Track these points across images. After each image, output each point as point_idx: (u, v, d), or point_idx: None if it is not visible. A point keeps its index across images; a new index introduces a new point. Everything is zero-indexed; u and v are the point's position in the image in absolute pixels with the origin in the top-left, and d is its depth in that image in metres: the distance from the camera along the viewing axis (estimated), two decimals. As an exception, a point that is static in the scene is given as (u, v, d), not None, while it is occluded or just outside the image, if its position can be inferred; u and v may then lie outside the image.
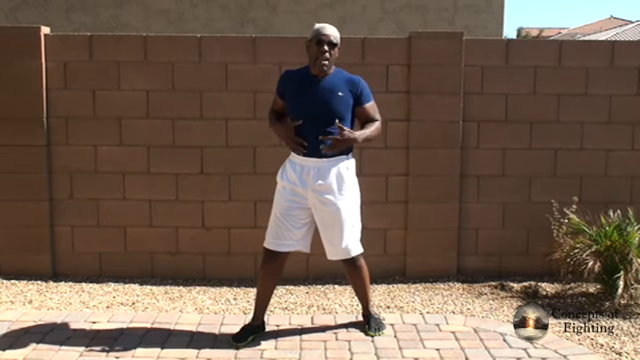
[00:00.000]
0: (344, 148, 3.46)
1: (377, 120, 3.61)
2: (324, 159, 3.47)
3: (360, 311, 3.97)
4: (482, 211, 4.83)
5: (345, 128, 3.36)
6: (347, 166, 3.55)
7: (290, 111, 3.56)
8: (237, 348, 3.51)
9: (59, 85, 4.66)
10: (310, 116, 3.46)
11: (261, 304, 3.70)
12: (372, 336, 3.66)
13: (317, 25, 3.49)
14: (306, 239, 3.64)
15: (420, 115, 4.70)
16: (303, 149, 3.48)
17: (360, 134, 3.45)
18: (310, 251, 3.69)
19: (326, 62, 3.42)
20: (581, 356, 3.45)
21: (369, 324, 3.75)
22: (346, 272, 3.78)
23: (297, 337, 3.67)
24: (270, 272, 3.63)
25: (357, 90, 3.51)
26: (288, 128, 3.53)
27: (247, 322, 3.75)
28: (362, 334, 3.70)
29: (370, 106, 3.58)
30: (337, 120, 3.38)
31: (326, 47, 3.41)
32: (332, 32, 3.44)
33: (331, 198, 3.47)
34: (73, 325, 3.80)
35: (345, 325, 3.84)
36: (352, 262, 3.66)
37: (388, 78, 4.70)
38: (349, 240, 3.57)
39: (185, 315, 4.02)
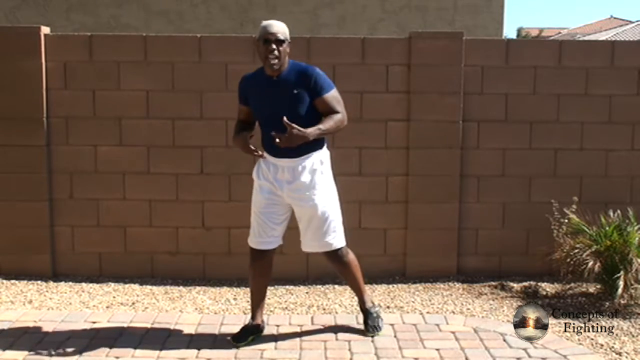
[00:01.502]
0: (306, 143, 3.35)
1: (337, 112, 3.46)
2: (296, 158, 3.44)
3: (360, 311, 3.96)
4: (482, 211, 4.83)
5: (294, 126, 3.27)
6: (320, 160, 3.51)
7: (254, 115, 3.57)
8: (237, 347, 3.51)
9: (59, 85, 4.66)
10: (270, 118, 3.43)
11: (256, 303, 3.71)
12: (369, 336, 3.65)
13: (264, 23, 3.39)
14: (282, 232, 3.65)
15: (420, 115, 4.70)
16: (260, 157, 3.51)
17: (312, 130, 3.33)
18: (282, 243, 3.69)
19: (275, 61, 3.34)
20: (581, 356, 3.46)
21: (365, 323, 3.73)
22: (336, 270, 3.76)
23: (297, 337, 3.67)
24: (259, 271, 3.64)
25: (310, 83, 3.39)
26: (243, 139, 3.50)
27: (247, 322, 3.75)
28: (362, 334, 3.70)
29: (328, 97, 3.42)
30: (284, 118, 3.29)
31: (274, 45, 3.32)
32: (278, 28, 3.34)
33: (307, 194, 3.47)
34: (73, 325, 3.80)
35: (346, 326, 3.84)
36: (338, 259, 3.62)
37: (388, 78, 4.69)
38: (330, 233, 3.54)
39: (185, 315, 4.03)
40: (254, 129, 3.63)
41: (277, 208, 3.56)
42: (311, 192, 3.47)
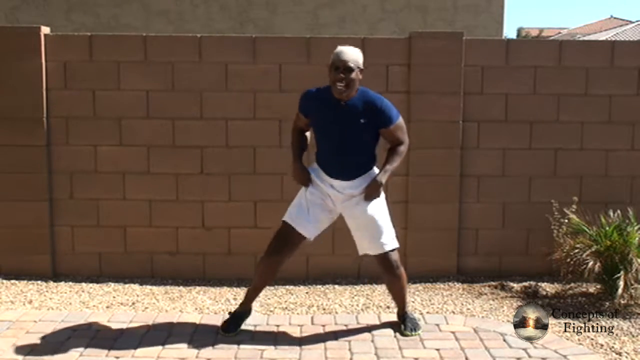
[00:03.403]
0: (360, 166, 3.57)
1: (401, 143, 3.60)
2: (349, 181, 3.55)
3: (360, 311, 4.01)
4: (482, 211, 4.83)
5: (370, 186, 3.51)
6: (371, 178, 3.61)
7: (315, 133, 3.64)
8: (226, 336, 3.62)
9: (59, 85, 4.66)
10: (334, 142, 3.53)
11: (252, 296, 3.78)
12: (408, 336, 3.67)
13: (337, 49, 3.44)
14: (320, 229, 3.68)
15: (420, 115, 4.70)
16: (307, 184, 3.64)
17: (384, 175, 3.54)
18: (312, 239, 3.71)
19: (342, 88, 3.39)
20: (581, 356, 3.46)
21: (404, 323, 3.75)
22: (385, 280, 3.79)
23: (297, 337, 3.67)
24: (271, 267, 3.64)
25: (379, 115, 3.48)
26: (302, 173, 3.63)
27: (234, 310, 3.81)
28: (362, 334, 3.70)
29: (395, 128, 3.54)
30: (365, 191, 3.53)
31: (342, 75, 3.37)
32: (349, 57, 3.39)
33: (356, 201, 3.56)
34: (73, 325, 3.80)
35: (346, 326, 3.84)
36: (392, 270, 3.66)
37: (388, 78, 4.69)
38: (382, 236, 3.59)
39: (185, 315, 4.03)
40: (308, 142, 3.74)
41: (323, 209, 3.62)
42: (360, 198, 3.55)
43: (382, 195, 3.67)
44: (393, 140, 3.60)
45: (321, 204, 3.62)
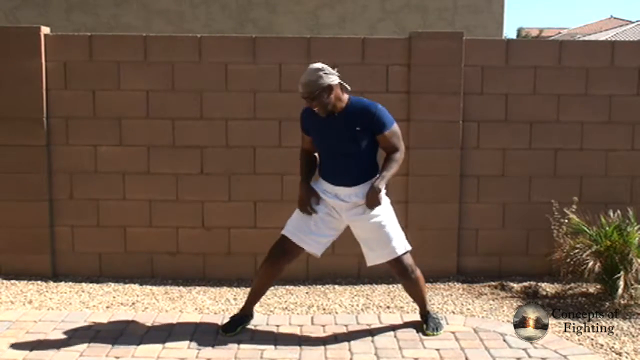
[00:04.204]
0: (363, 172, 3.56)
1: (396, 149, 3.58)
2: (353, 187, 3.55)
3: (360, 311, 4.00)
4: (482, 211, 4.83)
5: (369, 194, 3.47)
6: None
7: (316, 146, 3.66)
8: (226, 336, 3.63)
9: (59, 85, 4.66)
10: (333, 152, 3.57)
11: (254, 300, 3.79)
12: (430, 335, 3.67)
13: (300, 80, 3.45)
14: (326, 246, 3.72)
15: (420, 115, 4.70)
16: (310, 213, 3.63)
17: (381, 182, 3.50)
18: (320, 256, 3.75)
19: (318, 110, 3.46)
20: (581, 356, 3.45)
21: (426, 323, 3.76)
22: (403, 285, 3.82)
23: (297, 337, 3.67)
24: (271, 272, 3.68)
25: (372, 121, 3.49)
26: (307, 195, 3.62)
27: (235, 313, 3.84)
28: (362, 334, 3.70)
29: (389, 134, 3.54)
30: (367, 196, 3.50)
31: (308, 104, 3.46)
32: (306, 88, 3.39)
33: (362, 210, 3.55)
34: (73, 325, 3.80)
35: (345, 326, 3.84)
36: (407, 275, 3.66)
37: (388, 78, 4.69)
38: (392, 240, 3.59)
39: (185, 315, 4.03)
40: (317, 164, 3.73)
41: (327, 224, 3.63)
42: (364, 207, 3.54)
43: (387, 201, 3.67)
44: (388, 147, 3.58)
45: (326, 219, 3.63)
